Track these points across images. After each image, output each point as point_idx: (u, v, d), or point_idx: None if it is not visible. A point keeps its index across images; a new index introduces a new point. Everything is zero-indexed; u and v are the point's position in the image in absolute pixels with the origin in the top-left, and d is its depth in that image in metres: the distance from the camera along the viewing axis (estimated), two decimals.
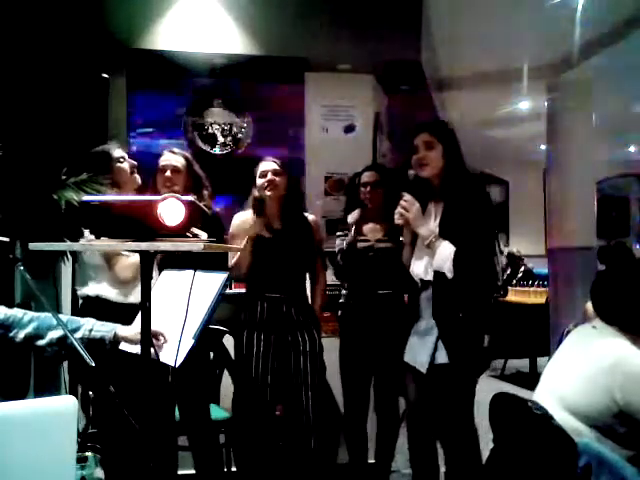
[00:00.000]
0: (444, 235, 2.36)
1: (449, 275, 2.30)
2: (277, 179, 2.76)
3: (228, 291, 3.21)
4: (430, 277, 2.40)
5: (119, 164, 2.59)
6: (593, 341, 1.94)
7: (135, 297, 2.51)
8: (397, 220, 2.44)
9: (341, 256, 2.95)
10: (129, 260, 2.52)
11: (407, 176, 2.46)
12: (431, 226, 2.42)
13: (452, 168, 2.42)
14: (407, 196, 2.41)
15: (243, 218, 2.84)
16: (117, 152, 2.64)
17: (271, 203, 2.79)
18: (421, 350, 2.43)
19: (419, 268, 2.46)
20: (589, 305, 2.15)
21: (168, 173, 2.65)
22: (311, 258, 2.88)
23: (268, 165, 2.79)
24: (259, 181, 2.78)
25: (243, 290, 2.94)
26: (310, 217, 2.94)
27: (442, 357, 2.34)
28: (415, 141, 2.45)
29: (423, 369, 2.40)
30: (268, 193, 2.75)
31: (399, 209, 2.42)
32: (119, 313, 2.47)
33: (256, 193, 2.80)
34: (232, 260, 2.77)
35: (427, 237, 2.37)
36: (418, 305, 2.49)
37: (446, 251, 2.32)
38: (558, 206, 5.45)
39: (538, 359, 5.79)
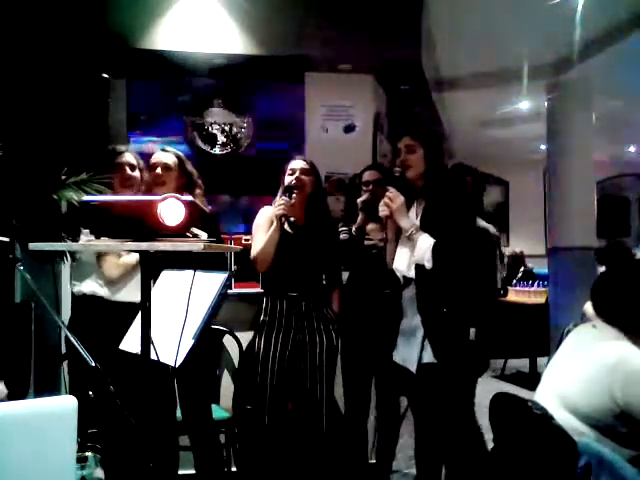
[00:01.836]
0: (425, 231, 2.39)
1: (427, 265, 2.33)
2: (305, 178, 2.80)
3: (247, 290, 3.23)
4: (413, 274, 2.42)
5: (121, 172, 2.64)
6: (593, 341, 1.94)
7: (124, 295, 2.54)
8: (381, 212, 2.47)
9: (346, 247, 2.94)
10: (118, 260, 2.54)
11: (393, 173, 2.51)
12: (412, 219, 2.45)
13: (433, 170, 2.47)
14: (392, 189, 2.46)
15: (269, 211, 2.83)
16: (124, 157, 2.68)
17: (296, 201, 2.79)
18: (409, 350, 2.45)
19: (402, 264, 2.48)
20: (588, 305, 2.15)
21: (159, 170, 2.64)
22: (331, 257, 2.88)
23: (297, 164, 2.83)
24: (287, 179, 2.80)
25: (259, 290, 2.95)
26: None
27: (428, 356, 2.36)
28: (398, 144, 2.53)
29: (413, 368, 2.41)
30: (294, 194, 2.76)
31: (384, 200, 2.46)
32: (108, 310, 2.50)
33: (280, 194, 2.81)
34: (254, 251, 2.77)
35: (408, 229, 2.40)
36: (401, 303, 2.52)
37: (426, 243, 2.35)
38: (558, 206, 5.47)
39: (538, 359, 5.79)
